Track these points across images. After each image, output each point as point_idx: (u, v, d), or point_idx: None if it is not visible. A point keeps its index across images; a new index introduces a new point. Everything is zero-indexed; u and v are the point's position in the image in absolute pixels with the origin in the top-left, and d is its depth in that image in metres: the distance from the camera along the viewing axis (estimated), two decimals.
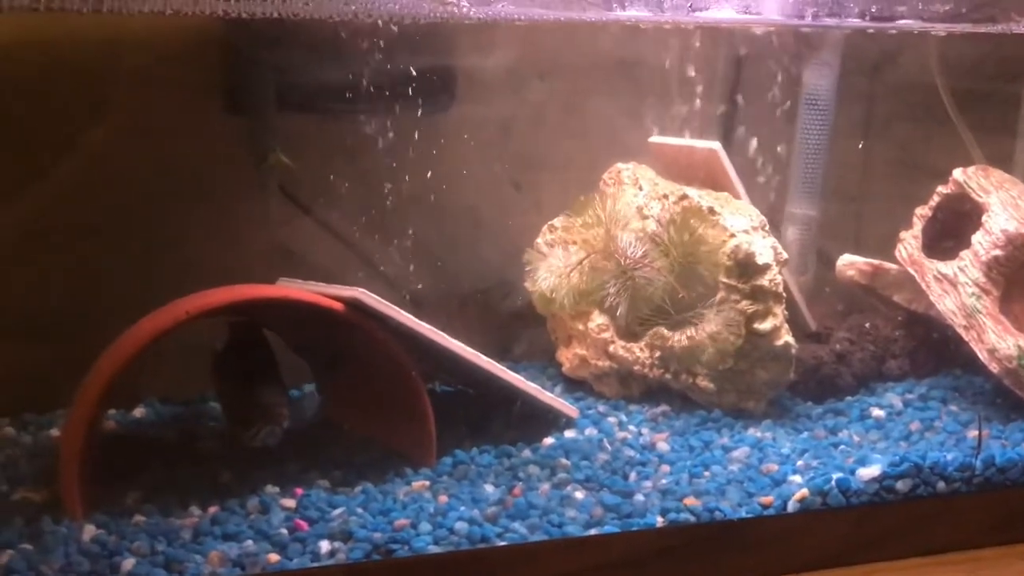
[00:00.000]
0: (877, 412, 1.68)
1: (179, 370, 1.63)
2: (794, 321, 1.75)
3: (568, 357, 1.79)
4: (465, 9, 1.39)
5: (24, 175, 1.63)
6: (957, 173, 1.73)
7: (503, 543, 1.30)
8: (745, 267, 1.60)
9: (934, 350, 1.82)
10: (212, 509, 1.36)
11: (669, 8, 1.54)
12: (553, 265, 1.62)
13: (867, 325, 1.80)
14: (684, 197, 1.65)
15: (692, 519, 1.36)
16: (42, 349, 1.63)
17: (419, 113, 1.73)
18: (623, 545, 1.33)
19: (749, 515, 1.38)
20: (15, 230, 1.63)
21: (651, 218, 1.67)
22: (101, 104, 1.63)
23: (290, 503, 1.39)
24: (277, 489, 1.42)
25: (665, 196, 1.67)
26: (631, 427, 1.64)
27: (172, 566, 1.23)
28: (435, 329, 1.47)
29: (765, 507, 1.40)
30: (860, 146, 2.00)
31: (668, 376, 1.69)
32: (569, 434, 1.60)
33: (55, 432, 1.59)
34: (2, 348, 1.65)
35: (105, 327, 1.42)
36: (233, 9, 1.32)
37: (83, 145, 1.63)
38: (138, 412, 1.68)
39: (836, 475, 1.42)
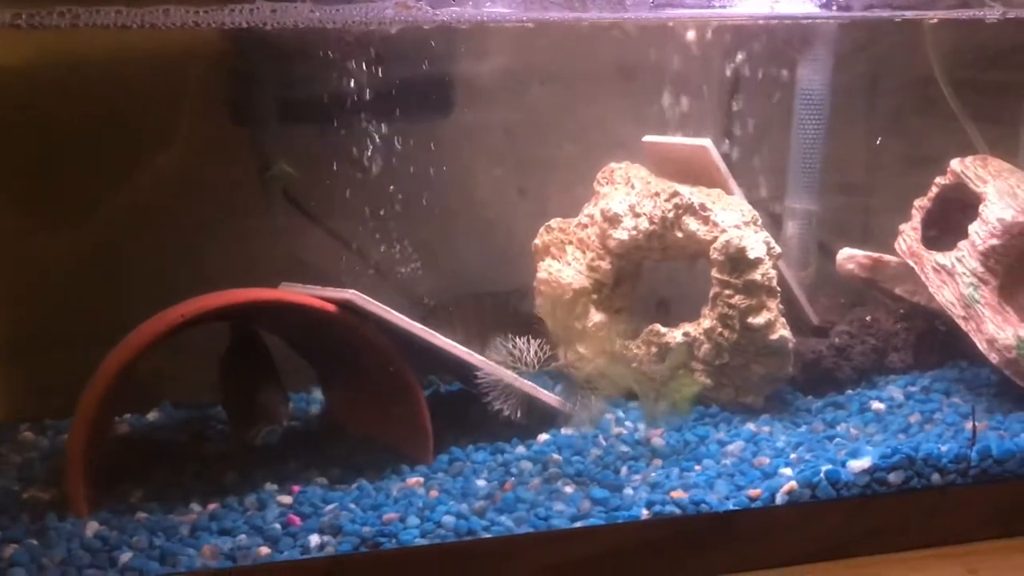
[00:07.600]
0: (877, 405, 1.67)
1: (196, 374, 1.68)
2: (795, 316, 1.75)
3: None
4: (426, 13, 1.42)
5: (41, 192, 1.70)
6: (955, 163, 1.72)
7: (488, 535, 1.33)
8: (737, 262, 1.61)
9: (937, 342, 1.80)
10: (212, 506, 1.41)
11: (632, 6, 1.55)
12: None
13: (868, 318, 1.79)
14: (675, 194, 1.67)
15: (677, 511, 1.37)
16: (60, 357, 1.70)
17: (420, 120, 1.77)
18: (607, 537, 1.34)
19: (736, 507, 1.39)
20: (34, 244, 1.70)
21: (643, 216, 1.69)
22: (109, 119, 1.68)
23: (287, 499, 1.43)
24: (276, 487, 1.46)
25: (657, 194, 1.69)
26: (627, 423, 1.65)
27: (167, 559, 1.28)
28: (426, 328, 1.51)
29: (753, 499, 1.40)
30: (877, 141, 2.00)
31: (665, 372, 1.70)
32: (565, 431, 1.62)
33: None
34: (24, 358, 1.73)
35: (123, 335, 1.46)
36: (203, 20, 1.36)
37: (93, 160, 1.69)
38: (151, 416, 1.74)
39: (825, 467, 1.42)
